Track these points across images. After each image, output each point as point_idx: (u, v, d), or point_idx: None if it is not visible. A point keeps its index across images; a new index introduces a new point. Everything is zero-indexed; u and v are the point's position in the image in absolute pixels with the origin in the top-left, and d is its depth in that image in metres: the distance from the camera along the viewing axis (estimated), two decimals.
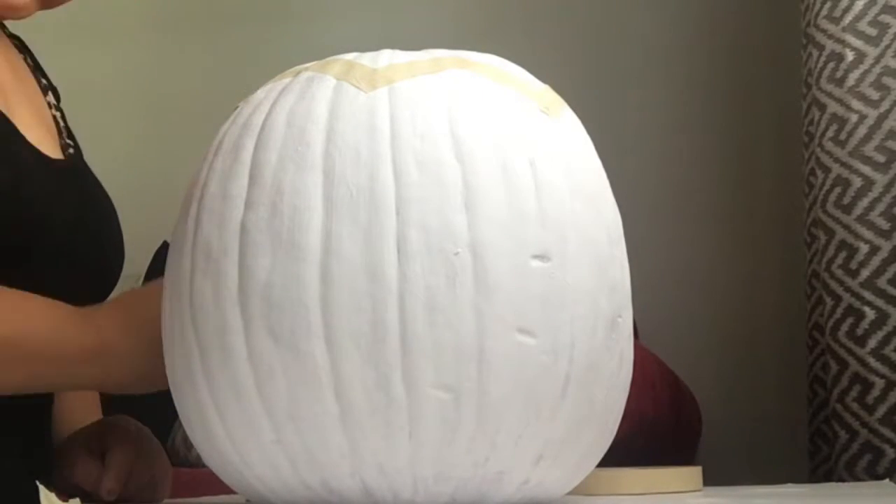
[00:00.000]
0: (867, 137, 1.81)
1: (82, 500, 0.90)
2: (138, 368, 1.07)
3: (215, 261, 0.91)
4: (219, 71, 2.58)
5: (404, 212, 0.87)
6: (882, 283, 1.78)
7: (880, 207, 1.79)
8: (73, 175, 1.22)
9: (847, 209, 1.82)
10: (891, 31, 1.81)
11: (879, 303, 1.78)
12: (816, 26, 1.87)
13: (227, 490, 1.01)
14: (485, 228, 0.87)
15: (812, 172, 1.90)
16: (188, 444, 2.11)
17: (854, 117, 1.81)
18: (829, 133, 1.84)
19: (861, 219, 1.80)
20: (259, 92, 0.98)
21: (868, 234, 1.79)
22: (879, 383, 1.77)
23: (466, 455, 0.88)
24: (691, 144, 2.41)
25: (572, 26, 2.50)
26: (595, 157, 0.98)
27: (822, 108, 1.85)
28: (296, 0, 2.64)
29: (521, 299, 0.87)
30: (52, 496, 0.80)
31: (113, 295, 1.25)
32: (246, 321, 0.89)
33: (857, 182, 1.81)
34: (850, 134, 1.82)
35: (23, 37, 1.33)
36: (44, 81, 1.30)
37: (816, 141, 1.87)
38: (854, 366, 1.79)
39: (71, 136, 1.29)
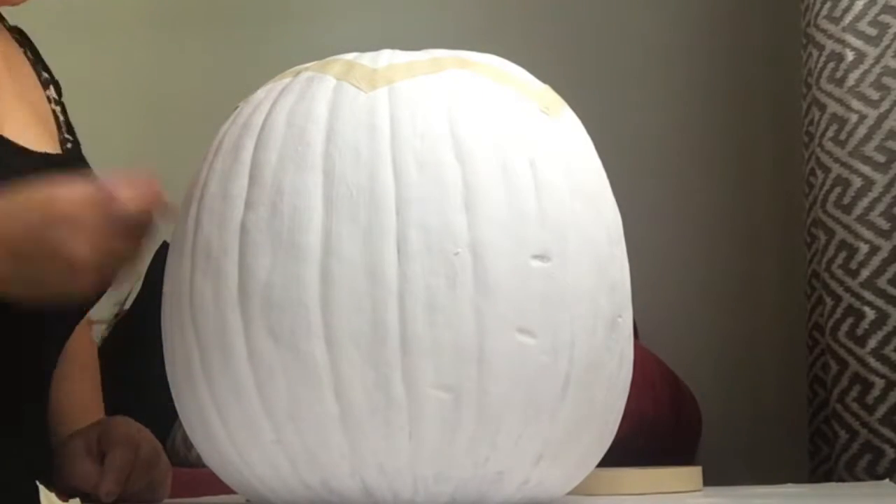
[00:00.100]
0: (867, 137, 1.80)
1: (82, 501, 0.90)
2: None
3: (215, 261, 0.91)
4: (219, 71, 2.58)
5: (404, 212, 0.87)
6: (882, 283, 1.78)
7: (880, 207, 1.79)
8: (65, 170, 1.20)
9: (847, 209, 1.82)
10: (891, 31, 1.81)
11: (879, 303, 1.78)
12: (816, 26, 1.87)
13: (227, 490, 1.01)
14: (485, 228, 0.87)
15: (812, 172, 1.90)
16: (188, 444, 2.11)
17: (854, 117, 1.81)
18: (829, 133, 1.84)
19: (861, 219, 1.80)
20: (259, 92, 0.98)
21: (868, 234, 1.79)
22: (879, 383, 1.77)
23: (466, 455, 0.88)
24: (691, 144, 2.41)
25: (572, 26, 2.50)
26: (595, 157, 0.98)
27: (822, 108, 1.85)
28: (296, 0, 2.64)
29: (521, 299, 0.87)
30: (52, 496, 0.80)
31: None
32: (246, 321, 0.89)
33: (857, 182, 1.81)
34: (850, 134, 1.82)
35: None
36: (45, 75, 1.29)
37: (816, 141, 1.87)
38: (854, 366, 1.79)
39: (71, 130, 1.28)
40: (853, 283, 1.80)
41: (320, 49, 1.03)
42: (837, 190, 1.83)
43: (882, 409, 1.77)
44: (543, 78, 0.99)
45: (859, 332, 1.79)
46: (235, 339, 0.89)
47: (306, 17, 2.59)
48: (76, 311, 1.23)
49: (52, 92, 1.29)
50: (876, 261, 1.79)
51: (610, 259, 0.94)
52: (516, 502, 0.93)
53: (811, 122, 1.90)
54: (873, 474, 1.76)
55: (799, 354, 2.08)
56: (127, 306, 2.43)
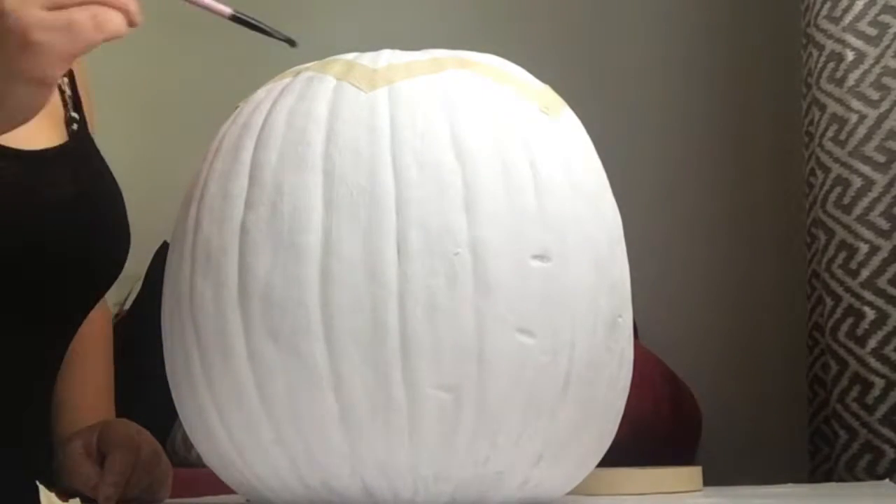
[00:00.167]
0: (867, 137, 1.81)
1: (82, 501, 0.90)
2: None
3: (215, 261, 0.91)
4: (219, 71, 2.58)
5: (404, 212, 0.87)
6: (882, 283, 1.78)
7: (880, 207, 1.79)
8: (60, 165, 1.19)
9: (847, 209, 1.82)
10: (891, 31, 1.81)
11: (879, 303, 1.78)
12: (816, 26, 1.87)
13: (227, 490, 1.01)
14: (485, 228, 0.87)
15: (812, 172, 1.90)
16: (188, 444, 2.11)
17: (854, 117, 1.81)
18: (829, 133, 1.84)
19: (861, 219, 1.80)
20: (259, 92, 0.98)
21: (868, 234, 1.79)
22: (879, 383, 1.77)
23: (466, 455, 0.88)
24: (691, 144, 2.41)
25: (572, 26, 2.50)
26: (595, 157, 0.98)
27: (822, 108, 1.85)
28: (296, 0, 2.64)
29: (521, 299, 0.87)
30: (52, 496, 0.80)
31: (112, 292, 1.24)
32: (246, 321, 0.89)
33: (857, 182, 1.81)
34: (850, 134, 1.82)
35: None
36: None
37: (816, 141, 1.87)
38: (854, 366, 1.79)
39: (78, 106, 1.26)
40: (853, 283, 1.80)
41: (320, 49, 1.03)
42: (837, 190, 1.83)
43: (882, 409, 1.77)
44: (543, 78, 0.99)
45: (859, 332, 1.79)
46: (235, 340, 0.89)
47: (306, 17, 2.59)
48: (74, 309, 1.22)
49: None
50: (876, 261, 1.79)
51: (610, 259, 0.94)
52: (516, 502, 0.93)
53: (811, 122, 1.90)
54: (873, 474, 1.76)
55: (799, 354, 2.08)
56: (127, 306, 2.43)
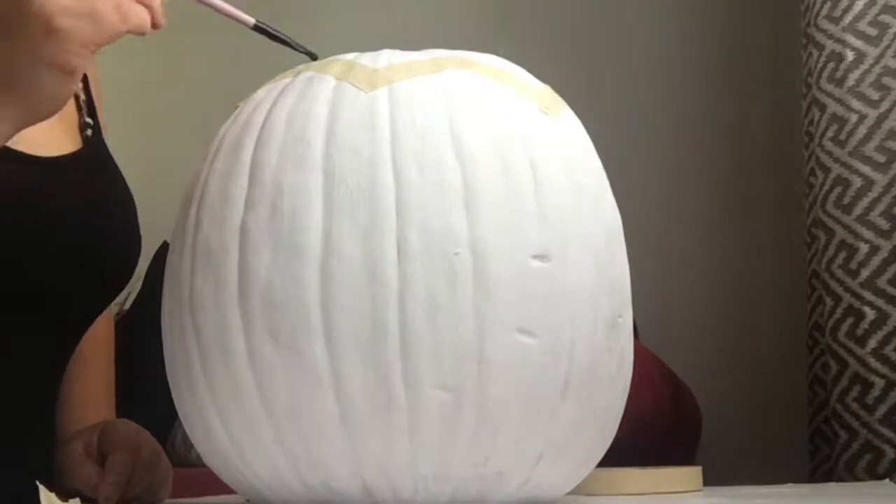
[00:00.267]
0: (867, 137, 1.80)
1: (82, 502, 0.90)
2: None
3: (215, 261, 0.91)
4: (219, 71, 2.57)
5: (404, 212, 0.87)
6: (882, 283, 1.78)
7: (880, 207, 1.79)
8: (74, 171, 1.19)
9: (847, 209, 1.82)
10: (891, 31, 1.80)
11: (879, 303, 1.78)
12: (816, 26, 1.87)
13: (227, 490, 1.01)
14: (485, 228, 0.87)
15: (812, 172, 1.90)
16: (188, 444, 2.11)
17: (854, 117, 1.81)
18: (829, 133, 1.84)
19: (861, 219, 1.80)
20: (259, 92, 0.98)
21: (868, 234, 1.79)
22: (879, 383, 1.77)
23: (466, 455, 0.88)
24: (691, 144, 2.41)
25: (572, 26, 2.50)
26: (595, 157, 0.98)
27: (822, 108, 1.85)
28: (296, 0, 2.64)
29: (521, 299, 0.87)
30: (52, 496, 0.80)
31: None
32: (246, 321, 0.89)
33: (857, 182, 1.81)
34: (850, 134, 1.82)
35: None
36: None
37: (816, 141, 1.87)
38: (854, 366, 1.79)
39: (92, 112, 1.26)
40: (853, 283, 1.80)
41: (320, 49, 1.03)
42: (837, 190, 1.83)
43: (882, 409, 1.77)
44: (543, 78, 0.99)
45: (859, 332, 1.79)
46: (235, 340, 0.89)
47: (306, 17, 2.59)
48: (84, 314, 1.22)
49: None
50: (876, 261, 1.79)
51: (610, 259, 0.94)
52: (516, 502, 0.93)
53: (811, 122, 1.90)
54: (873, 474, 1.76)
55: (799, 354, 2.08)
56: (127, 306, 2.43)
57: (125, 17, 0.92)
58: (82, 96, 1.25)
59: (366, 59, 0.95)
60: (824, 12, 1.85)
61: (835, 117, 1.84)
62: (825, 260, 1.84)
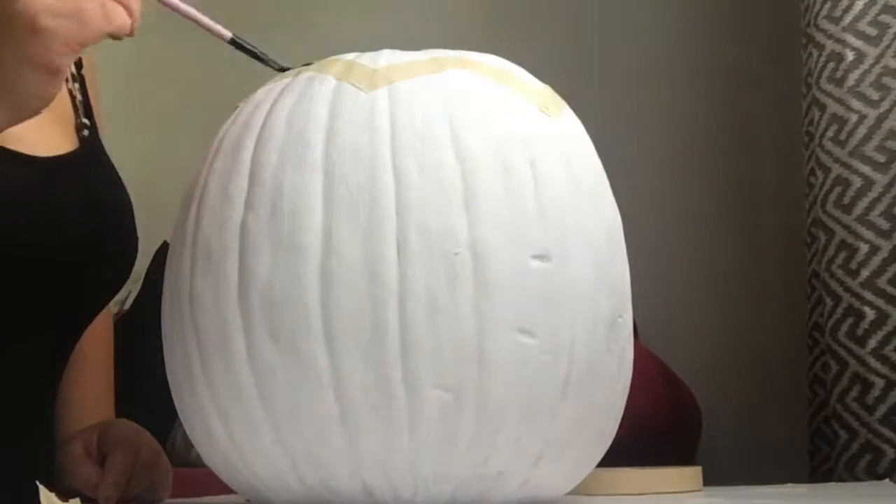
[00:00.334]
0: (867, 137, 1.80)
1: (82, 502, 0.90)
2: None
3: (215, 261, 0.91)
4: (219, 71, 2.58)
5: (404, 212, 0.87)
6: (882, 283, 1.78)
7: (880, 207, 1.79)
8: (70, 171, 1.19)
9: (847, 209, 1.82)
10: (891, 31, 1.80)
11: (879, 303, 1.78)
12: (816, 26, 1.87)
13: (227, 490, 1.01)
14: (485, 229, 0.87)
15: (812, 172, 1.90)
16: (188, 444, 2.11)
17: (854, 117, 1.81)
18: (829, 133, 1.84)
19: (861, 219, 1.80)
20: (259, 92, 0.98)
21: (868, 234, 1.79)
22: (879, 383, 1.77)
23: (466, 455, 0.88)
24: (691, 144, 2.41)
25: (572, 26, 2.50)
26: (595, 157, 0.98)
27: (822, 108, 1.85)
28: (296, 0, 2.64)
29: (521, 299, 0.87)
30: (52, 496, 0.80)
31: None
32: (246, 321, 0.89)
33: (857, 182, 1.81)
34: (850, 134, 1.82)
35: None
36: None
37: (816, 141, 1.87)
38: (854, 366, 1.79)
39: (89, 112, 1.26)
40: (853, 283, 1.80)
41: (320, 49, 1.03)
42: (837, 190, 1.83)
43: (882, 409, 1.77)
44: (543, 78, 0.99)
45: (859, 332, 1.79)
46: (235, 340, 0.89)
47: (306, 17, 2.59)
48: (82, 314, 1.22)
49: (70, 67, 1.26)
50: (876, 261, 1.79)
51: (610, 259, 0.94)
52: (516, 502, 0.93)
53: (811, 122, 1.90)
54: (873, 474, 1.76)
55: (799, 354, 2.08)
56: (127, 306, 2.43)
57: (109, 18, 0.93)
58: (79, 97, 1.25)
59: (366, 59, 0.95)
60: (824, 12, 1.85)
61: (835, 117, 1.84)
62: (825, 260, 1.84)
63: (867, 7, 1.82)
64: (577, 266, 0.90)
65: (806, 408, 2.01)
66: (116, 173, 1.25)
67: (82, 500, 0.88)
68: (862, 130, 1.81)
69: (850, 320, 1.80)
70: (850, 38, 1.82)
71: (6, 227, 1.09)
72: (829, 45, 1.85)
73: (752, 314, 2.36)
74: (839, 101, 1.83)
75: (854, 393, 1.79)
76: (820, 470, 1.93)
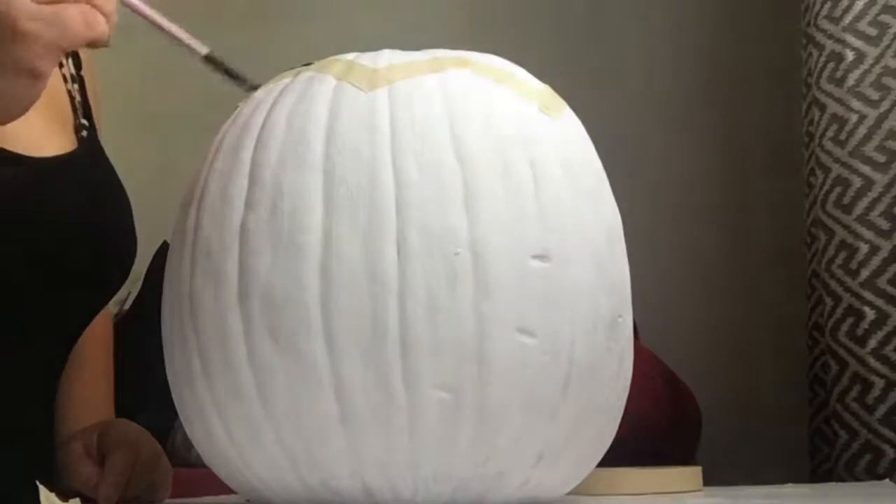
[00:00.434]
0: (867, 137, 1.80)
1: (82, 502, 0.90)
2: None
3: (215, 261, 0.91)
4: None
5: (404, 212, 0.87)
6: (882, 283, 1.78)
7: (880, 207, 1.79)
8: (69, 172, 1.19)
9: (847, 209, 1.81)
10: (891, 31, 1.80)
11: (879, 303, 1.78)
12: (816, 26, 1.86)
13: (227, 490, 1.01)
14: (485, 229, 0.87)
15: (812, 172, 1.90)
16: (188, 445, 2.11)
17: (854, 117, 1.81)
18: (829, 133, 1.84)
19: (861, 219, 1.80)
20: (259, 92, 0.98)
21: (868, 234, 1.79)
22: (879, 383, 1.77)
23: (466, 455, 0.88)
24: (691, 144, 2.41)
25: (572, 26, 2.50)
26: (595, 157, 0.98)
27: (822, 108, 1.85)
28: (296, 0, 2.64)
29: (521, 299, 0.87)
30: (52, 496, 0.80)
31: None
32: (246, 321, 0.89)
33: (857, 182, 1.80)
34: (850, 134, 1.82)
35: None
36: None
37: (816, 141, 1.87)
38: (854, 366, 1.79)
39: (88, 113, 1.26)
40: (853, 283, 1.80)
41: (320, 49, 1.02)
42: (837, 190, 1.83)
43: (882, 409, 1.77)
44: (543, 78, 0.99)
45: (859, 332, 1.79)
46: (235, 340, 0.89)
47: (306, 17, 2.59)
48: (81, 314, 1.22)
49: (68, 68, 1.26)
50: (876, 261, 1.79)
51: (610, 259, 0.94)
52: (516, 502, 0.93)
53: (811, 122, 1.90)
54: (873, 474, 1.75)
55: (799, 354, 2.08)
56: (127, 306, 2.43)
57: (90, 25, 0.93)
58: (78, 98, 1.25)
59: (366, 59, 0.95)
60: (824, 12, 1.85)
61: (835, 117, 1.84)
62: (825, 260, 1.84)
63: (867, 7, 1.81)
64: (577, 266, 0.90)
65: (806, 408, 2.01)
66: (115, 174, 1.25)
67: (82, 500, 0.88)
68: (862, 130, 1.81)
69: (850, 320, 1.80)
70: (850, 38, 1.82)
71: (5, 227, 1.09)
72: (829, 45, 1.84)
73: (752, 314, 2.36)
74: (839, 101, 1.83)
75: (854, 393, 1.79)
76: (820, 470, 1.93)
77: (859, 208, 1.81)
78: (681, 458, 1.81)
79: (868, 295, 1.79)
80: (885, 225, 1.79)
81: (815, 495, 1.26)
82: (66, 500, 0.82)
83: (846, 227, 1.82)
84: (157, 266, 2.12)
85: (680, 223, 2.40)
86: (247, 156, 0.92)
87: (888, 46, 1.80)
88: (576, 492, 1.00)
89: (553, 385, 0.89)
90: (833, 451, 1.83)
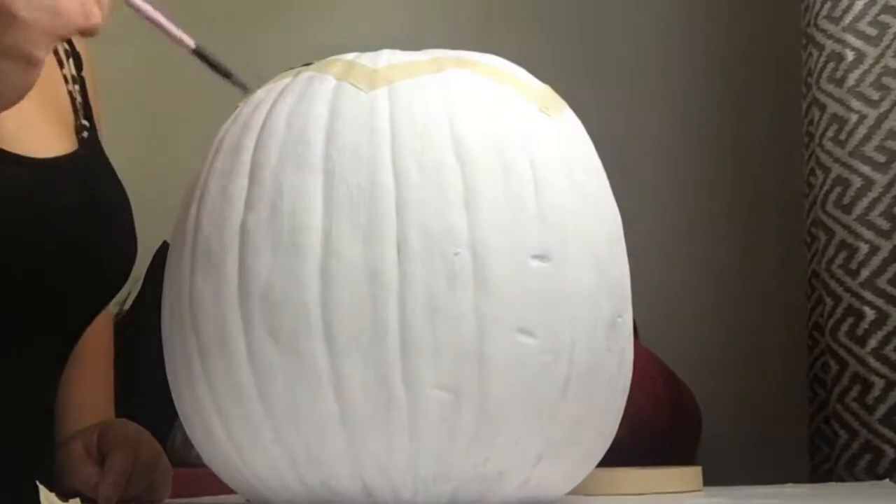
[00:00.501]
0: (867, 137, 1.80)
1: (82, 502, 0.90)
2: None
3: (215, 261, 0.91)
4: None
5: (404, 212, 0.87)
6: (882, 283, 1.78)
7: (880, 207, 1.79)
8: (70, 172, 1.19)
9: (847, 209, 1.81)
10: (891, 31, 1.80)
11: (879, 303, 1.78)
12: (816, 26, 1.86)
13: (227, 490, 1.01)
14: (485, 229, 0.87)
15: (812, 172, 1.90)
16: (188, 445, 2.11)
17: (854, 117, 1.81)
18: (829, 133, 1.84)
19: (861, 219, 1.80)
20: (259, 92, 0.98)
21: (868, 234, 1.79)
22: (879, 383, 1.77)
23: (466, 455, 0.88)
24: (691, 144, 2.41)
25: (571, 26, 2.50)
26: (595, 157, 0.98)
27: (822, 108, 1.85)
28: (296, 0, 2.64)
29: (521, 299, 0.87)
30: (52, 496, 0.80)
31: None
32: (246, 321, 0.89)
33: (857, 182, 1.81)
34: (850, 134, 1.82)
35: None
36: (65, 46, 1.25)
37: (816, 141, 1.87)
38: (854, 366, 1.79)
39: (88, 114, 1.26)
40: (853, 283, 1.80)
41: (320, 49, 1.02)
42: (837, 190, 1.83)
43: (882, 409, 1.77)
44: (543, 78, 0.99)
45: (859, 332, 1.79)
46: (235, 340, 0.89)
47: (306, 17, 2.59)
48: (81, 315, 1.22)
49: (69, 69, 1.26)
50: (876, 261, 1.79)
51: (610, 259, 0.94)
52: (516, 502, 0.93)
53: (811, 122, 1.90)
54: (873, 474, 1.75)
55: (799, 354, 2.08)
56: (127, 306, 2.43)
57: (86, 14, 0.94)
58: (79, 99, 1.25)
59: (366, 59, 0.95)
60: (824, 12, 1.85)
61: (835, 117, 1.84)
62: (825, 260, 1.84)
63: (867, 7, 1.81)
64: (577, 266, 0.90)
65: (806, 408, 2.01)
66: (116, 175, 1.25)
67: (82, 500, 0.88)
68: (862, 130, 1.81)
69: (850, 320, 1.80)
70: (850, 38, 1.82)
71: (5, 228, 1.09)
72: (829, 45, 1.84)
73: (752, 314, 2.36)
74: (839, 101, 1.83)
75: (854, 393, 1.79)
76: (820, 470, 1.93)
77: (859, 208, 1.81)
78: (681, 458, 1.81)
79: (868, 295, 1.79)
80: (885, 225, 1.79)
81: (815, 495, 1.26)
82: (66, 500, 0.82)
83: (846, 227, 1.82)
84: (157, 266, 2.12)
85: (679, 223, 2.40)
86: (247, 156, 0.92)
87: (888, 46, 1.80)
88: (576, 492, 1.00)
89: (553, 385, 0.89)
90: (833, 451, 1.83)
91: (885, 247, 1.78)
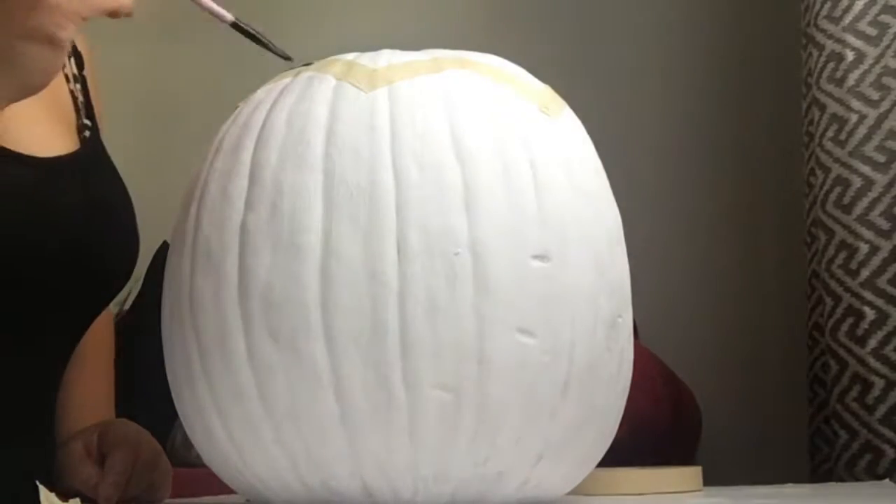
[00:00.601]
0: (867, 137, 1.80)
1: (82, 502, 0.90)
2: None
3: (215, 261, 0.91)
4: (219, 71, 2.57)
5: (404, 212, 0.87)
6: (882, 283, 1.78)
7: (880, 207, 1.79)
8: (72, 171, 1.19)
9: (847, 209, 1.81)
10: (891, 31, 1.80)
11: (879, 303, 1.78)
12: (816, 26, 1.86)
13: (227, 490, 1.01)
14: (485, 229, 0.87)
15: (812, 172, 1.90)
16: (188, 445, 2.11)
17: (854, 117, 1.81)
18: (829, 133, 1.84)
19: (861, 219, 1.80)
20: (259, 92, 0.98)
21: (868, 234, 1.79)
22: (879, 383, 1.77)
23: (466, 455, 0.88)
24: (691, 144, 2.41)
25: (572, 26, 2.50)
26: (595, 157, 0.98)
27: (822, 108, 1.85)
28: (296, 0, 2.64)
29: (521, 299, 0.87)
30: (52, 496, 0.80)
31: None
32: (246, 321, 0.89)
33: (857, 182, 1.81)
34: (849, 134, 1.82)
35: None
36: None
37: (816, 141, 1.87)
38: (854, 366, 1.79)
39: (90, 113, 1.26)
40: (853, 283, 1.80)
41: (320, 49, 1.02)
42: (837, 190, 1.83)
43: (882, 409, 1.77)
44: (543, 78, 0.99)
45: (859, 332, 1.79)
46: (235, 340, 0.89)
47: (306, 17, 2.59)
48: (83, 315, 1.22)
49: (70, 68, 1.26)
50: (876, 261, 1.79)
51: (610, 259, 0.94)
52: (516, 502, 0.93)
53: (811, 122, 1.90)
54: (873, 474, 1.75)
55: (799, 354, 2.08)
56: (127, 306, 2.43)
57: None
58: (81, 98, 1.25)
59: (366, 59, 0.95)
60: (824, 12, 1.85)
61: (835, 117, 1.84)
62: (825, 260, 1.84)
63: (867, 7, 1.81)
64: (577, 266, 0.90)
65: (806, 408, 2.01)
66: (117, 174, 1.25)
67: (82, 500, 0.88)
68: (862, 130, 1.81)
69: (850, 320, 1.80)
70: (850, 38, 1.82)
71: (7, 227, 1.09)
72: (829, 45, 1.84)
73: (752, 314, 2.36)
74: (839, 101, 1.83)
75: (854, 393, 1.79)
76: (820, 470, 1.93)
77: (859, 208, 1.81)
78: (681, 458, 1.81)
79: (868, 295, 1.79)
80: (885, 225, 1.79)
81: (815, 495, 1.26)
82: (66, 500, 0.82)
83: (846, 227, 1.82)
84: (157, 266, 2.12)
85: (679, 223, 2.40)
86: (247, 156, 0.92)
87: (888, 46, 1.80)
88: (576, 492, 1.00)
89: (553, 385, 0.89)
90: (833, 451, 1.83)
91: (885, 247, 1.78)
